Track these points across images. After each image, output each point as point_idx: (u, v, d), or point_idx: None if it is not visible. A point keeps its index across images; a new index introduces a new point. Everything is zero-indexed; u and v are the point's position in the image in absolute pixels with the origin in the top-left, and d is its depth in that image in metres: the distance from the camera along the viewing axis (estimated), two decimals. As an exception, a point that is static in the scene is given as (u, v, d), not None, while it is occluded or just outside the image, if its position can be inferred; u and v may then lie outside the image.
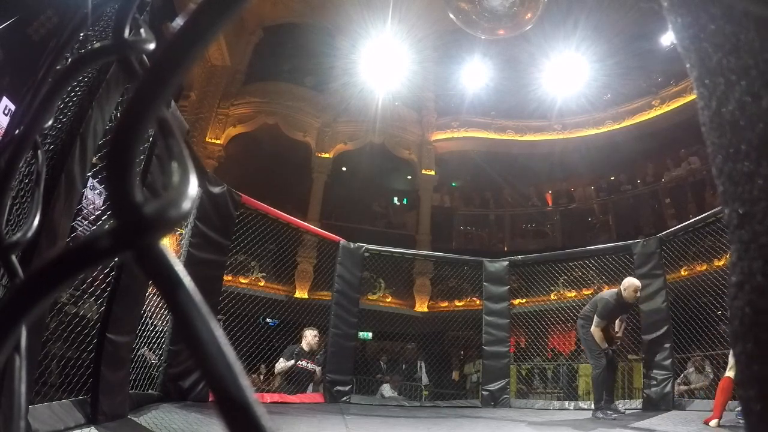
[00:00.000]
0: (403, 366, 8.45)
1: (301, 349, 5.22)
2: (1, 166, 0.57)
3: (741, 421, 3.27)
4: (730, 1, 0.40)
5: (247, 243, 4.79)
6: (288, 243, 5.71)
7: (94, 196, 3.96)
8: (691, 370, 5.66)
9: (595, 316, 4.36)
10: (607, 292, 4.49)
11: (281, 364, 5.13)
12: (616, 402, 4.55)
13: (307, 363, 5.18)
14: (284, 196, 10.41)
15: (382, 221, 12.16)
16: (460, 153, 12.39)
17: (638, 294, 4.37)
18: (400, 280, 9.06)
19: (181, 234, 3.92)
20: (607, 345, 4.35)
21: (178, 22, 0.24)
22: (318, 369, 5.23)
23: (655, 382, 4.60)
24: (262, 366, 6.19)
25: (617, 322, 4.57)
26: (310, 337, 5.25)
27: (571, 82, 10.61)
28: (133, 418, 2.62)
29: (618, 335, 4.61)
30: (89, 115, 2.09)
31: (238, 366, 0.21)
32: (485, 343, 5.69)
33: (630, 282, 4.36)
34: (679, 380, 5.29)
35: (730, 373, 3.38)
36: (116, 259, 0.24)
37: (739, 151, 0.39)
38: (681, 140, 9.66)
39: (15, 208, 1.75)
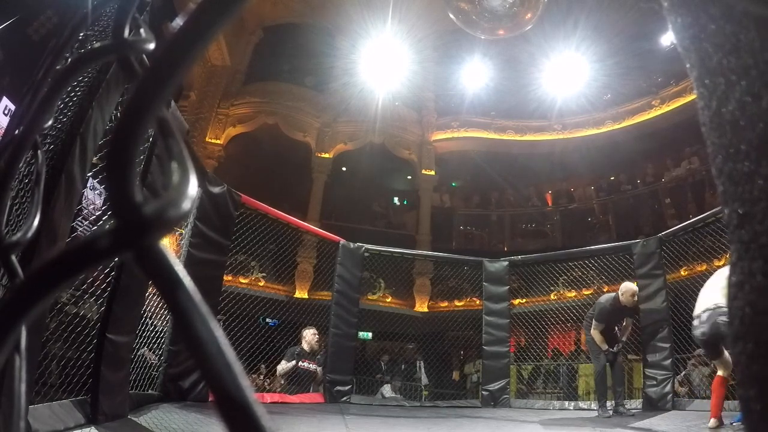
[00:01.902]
0: (402, 366, 8.44)
1: (302, 349, 5.21)
2: (1, 166, 0.57)
3: (734, 423, 3.28)
4: (730, 1, 0.40)
5: (247, 243, 4.79)
6: (288, 243, 5.71)
7: (94, 196, 3.95)
8: (691, 368, 5.66)
9: (594, 320, 4.48)
10: (605, 297, 4.59)
11: (283, 366, 5.12)
12: (624, 402, 4.58)
13: (309, 363, 5.17)
14: (284, 196, 10.41)
15: (382, 221, 12.15)
16: (460, 153, 12.39)
17: (635, 298, 4.47)
18: (400, 280, 9.06)
19: (181, 234, 3.92)
20: (607, 346, 4.43)
21: (178, 22, 0.24)
22: (319, 369, 5.22)
23: (655, 382, 4.60)
24: (262, 366, 6.19)
25: (624, 323, 4.62)
26: (309, 336, 5.24)
27: (571, 82, 10.61)
28: (133, 418, 2.62)
29: (621, 339, 4.65)
30: (89, 115, 2.09)
31: (238, 366, 0.21)
32: (485, 343, 5.69)
33: (627, 287, 4.45)
34: (679, 377, 5.29)
35: (720, 371, 3.40)
36: (116, 259, 0.24)
37: (739, 151, 0.39)
38: (681, 140, 9.66)
39: (15, 208, 1.75)
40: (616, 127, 11.01)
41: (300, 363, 5.11)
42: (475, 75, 11.44)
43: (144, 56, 0.44)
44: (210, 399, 0.99)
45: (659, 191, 10.12)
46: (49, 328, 2.23)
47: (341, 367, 5.27)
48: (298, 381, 5.10)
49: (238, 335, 4.88)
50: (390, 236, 10.44)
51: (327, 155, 11.65)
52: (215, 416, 0.20)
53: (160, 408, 3.12)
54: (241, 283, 8.55)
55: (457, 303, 9.81)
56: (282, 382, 5.17)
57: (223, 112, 11.41)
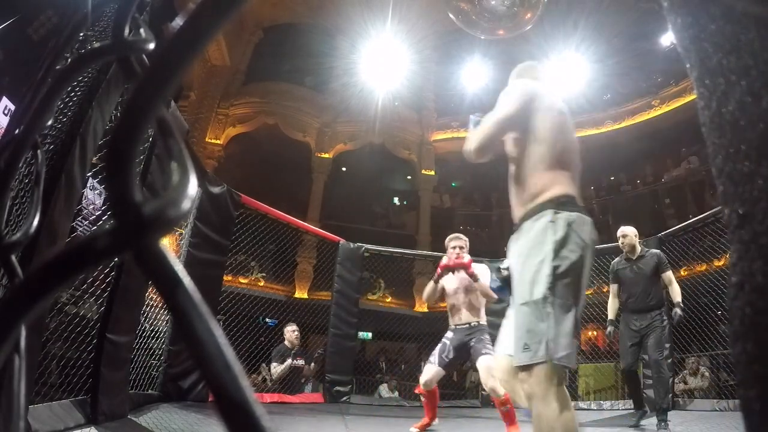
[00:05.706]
0: (402, 366, 8.43)
1: (286, 347, 5.20)
2: (1, 166, 0.57)
3: None
4: (730, 1, 0.40)
5: (247, 243, 4.79)
6: (288, 243, 5.71)
7: (94, 196, 3.95)
8: (687, 372, 5.67)
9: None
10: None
11: (277, 369, 5.10)
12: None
13: (297, 360, 5.18)
14: (284, 196, 10.41)
15: (382, 221, 12.16)
16: (460, 153, 12.28)
17: (624, 238, 3.96)
18: (400, 280, 9.05)
19: (181, 234, 3.92)
20: (612, 316, 4.01)
21: (178, 22, 0.24)
22: (307, 366, 5.23)
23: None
24: (262, 366, 6.19)
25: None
26: (289, 333, 5.22)
27: (571, 82, 10.60)
28: (133, 418, 2.62)
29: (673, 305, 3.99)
30: (89, 115, 2.09)
31: (237, 366, 0.21)
32: (485, 343, 5.67)
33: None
34: (678, 379, 5.29)
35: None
36: (116, 259, 0.25)
37: (739, 151, 0.39)
38: (681, 140, 9.66)
39: (15, 208, 1.75)
40: (616, 127, 11.01)
41: (293, 362, 5.11)
42: (475, 75, 11.43)
43: (144, 56, 0.44)
44: (210, 399, 0.99)
45: (659, 191, 10.12)
46: (49, 328, 2.23)
47: (341, 367, 5.27)
48: (290, 379, 5.10)
49: (238, 335, 4.88)
50: (390, 236, 10.43)
51: (327, 155, 11.65)
52: (215, 416, 0.20)
53: (160, 408, 3.12)
54: (241, 283, 8.55)
55: (457, 303, 9.79)
56: (276, 384, 5.16)
57: (223, 112, 11.41)
